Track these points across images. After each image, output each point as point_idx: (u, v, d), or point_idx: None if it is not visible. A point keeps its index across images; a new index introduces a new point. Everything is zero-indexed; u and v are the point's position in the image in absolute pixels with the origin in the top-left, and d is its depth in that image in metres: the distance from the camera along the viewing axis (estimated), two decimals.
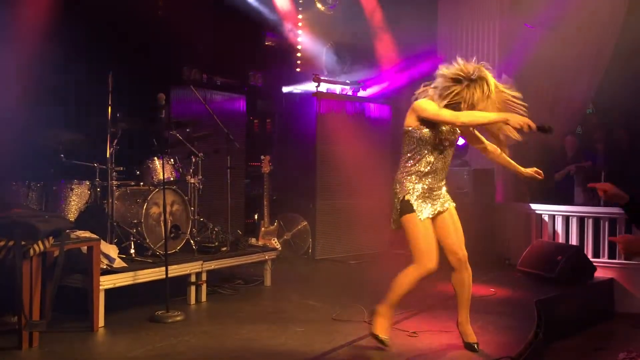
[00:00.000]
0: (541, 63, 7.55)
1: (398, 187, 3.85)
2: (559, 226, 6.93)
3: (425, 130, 3.73)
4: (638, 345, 4.73)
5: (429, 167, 3.77)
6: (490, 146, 4.01)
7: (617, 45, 7.51)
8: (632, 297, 6.34)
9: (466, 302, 3.89)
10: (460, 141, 7.60)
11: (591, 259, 6.45)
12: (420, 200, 3.78)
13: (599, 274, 6.40)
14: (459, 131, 3.86)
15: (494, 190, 7.58)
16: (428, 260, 3.73)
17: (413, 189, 3.78)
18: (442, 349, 3.94)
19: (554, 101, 7.75)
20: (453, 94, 3.66)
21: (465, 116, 3.63)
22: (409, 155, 3.82)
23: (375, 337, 3.86)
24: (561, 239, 6.86)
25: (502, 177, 7.52)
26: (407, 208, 3.77)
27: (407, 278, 3.81)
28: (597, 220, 6.70)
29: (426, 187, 3.79)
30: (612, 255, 6.58)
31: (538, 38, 7.40)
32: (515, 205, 7.41)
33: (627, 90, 7.68)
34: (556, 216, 6.97)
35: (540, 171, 3.97)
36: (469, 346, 3.87)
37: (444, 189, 3.90)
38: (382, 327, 3.87)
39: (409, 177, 3.80)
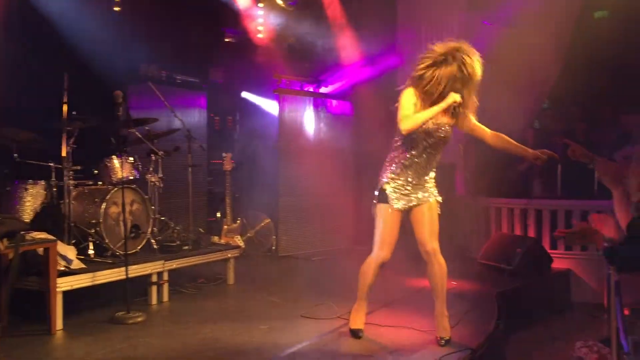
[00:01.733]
0: (499, 59, 7.66)
1: (381, 175, 3.90)
2: (517, 219, 7.06)
3: None
4: (594, 334, 4.85)
5: (410, 161, 3.77)
6: (492, 134, 3.93)
7: (573, 40, 7.69)
8: (588, 287, 6.51)
9: (439, 294, 3.92)
10: None
11: (549, 251, 6.60)
12: (397, 193, 3.81)
13: (556, 265, 6.55)
14: (448, 128, 3.76)
15: (454, 184, 7.69)
16: (382, 249, 3.85)
17: (392, 179, 3.82)
18: (404, 342, 3.97)
19: (511, 96, 7.89)
20: (426, 80, 3.61)
21: (405, 122, 3.56)
22: (397, 144, 3.84)
23: (352, 330, 3.98)
24: (520, 231, 7.00)
25: (462, 171, 7.63)
26: (383, 197, 3.83)
27: (365, 267, 3.95)
28: (554, 213, 6.86)
29: (405, 180, 3.80)
30: (568, 247, 6.74)
31: (496, 35, 7.51)
32: (476, 199, 7.53)
33: (584, 84, 7.90)
34: (515, 209, 7.10)
35: (546, 150, 3.85)
36: (440, 340, 3.90)
37: (430, 184, 3.88)
38: (356, 321, 3.99)
39: (390, 167, 3.84)
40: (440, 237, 6.36)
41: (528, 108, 8.17)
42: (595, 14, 8.40)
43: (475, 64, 3.66)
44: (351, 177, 7.94)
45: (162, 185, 5.64)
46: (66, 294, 4.19)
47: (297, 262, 7.12)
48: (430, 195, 3.87)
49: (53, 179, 4.90)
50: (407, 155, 3.77)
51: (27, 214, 4.74)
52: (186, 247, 5.36)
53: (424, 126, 3.63)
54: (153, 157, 5.59)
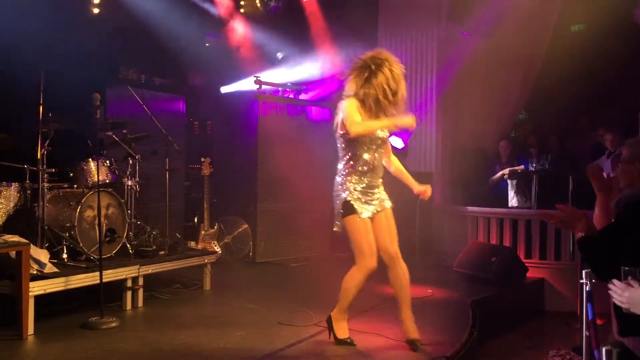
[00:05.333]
0: (476, 69, 7.78)
1: (339, 188, 3.90)
2: (493, 228, 7.14)
3: None
4: (567, 342, 4.92)
5: (366, 167, 3.86)
6: (394, 160, 4.14)
7: (548, 52, 7.83)
8: (561, 296, 6.61)
9: (405, 298, 3.95)
10: (400, 144, 7.75)
11: (524, 260, 6.67)
12: (361, 201, 3.85)
13: (531, 274, 6.63)
14: (382, 132, 3.89)
15: (432, 193, 7.73)
16: (370, 260, 3.83)
17: (354, 189, 3.86)
18: (378, 349, 3.98)
19: (488, 107, 7.99)
20: (365, 94, 3.77)
21: (356, 127, 3.71)
22: (347, 157, 3.90)
23: (341, 341, 3.96)
24: (495, 241, 7.07)
25: (440, 180, 7.69)
26: (349, 209, 3.84)
27: (353, 281, 3.90)
28: (528, 222, 6.94)
29: (365, 186, 3.87)
30: (542, 256, 6.84)
31: (474, 46, 7.61)
32: (452, 208, 7.59)
33: (559, 95, 8.03)
34: (491, 218, 7.18)
35: (428, 192, 4.13)
36: (410, 342, 3.92)
37: (382, 187, 3.98)
38: (343, 330, 3.99)
39: (349, 178, 3.88)
40: (418, 245, 6.45)
41: (504, 118, 8.29)
42: (572, 27, 8.56)
43: (397, 66, 3.83)
44: (330, 183, 7.94)
45: (138, 189, 5.58)
46: (38, 298, 4.12)
47: (275, 268, 7.09)
48: (385, 201, 3.97)
49: (27, 181, 4.82)
50: (362, 161, 3.86)
51: (0, 217, 4.66)
52: (162, 252, 5.31)
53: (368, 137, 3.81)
54: (130, 161, 5.53)
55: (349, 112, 3.77)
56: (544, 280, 6.72)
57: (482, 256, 6.45)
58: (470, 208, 7.36)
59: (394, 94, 3.81)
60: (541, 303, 6.65)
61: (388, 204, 3.97)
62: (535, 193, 7.24)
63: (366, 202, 3.87)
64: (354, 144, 3.83)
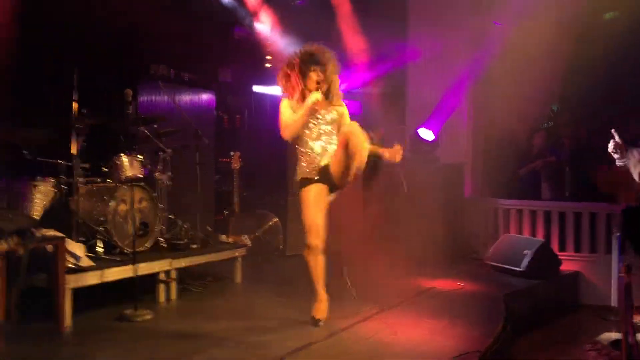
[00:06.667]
0: (508, 60, 7.65)
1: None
2: (526, 220, 7.04)
3: None
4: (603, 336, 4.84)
5: (310, 150, 4.19)
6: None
7: (581, 40, 7.65)
8: (597, 289, 6.49)
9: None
10: (431, 137, 7.69)
11: (557, 253, 6.57)
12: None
13: (565, 267, 6.53)
14: (327, 115, 4.21)
15: (463, 185, 7.67)
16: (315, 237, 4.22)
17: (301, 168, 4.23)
18: (413, 344, 3.96)
19: (520, 97, 7.86)
20: (290, 88, 4.19)
21: (285, 132, 4.16)
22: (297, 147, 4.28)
23: (312, 318, 4.23)
24: (528, 233, 6.97)
25: (471, 172, 7.61)
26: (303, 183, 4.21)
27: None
28: (562, 214, 6.83)
29: (311, 166, 4.19)
30: (577, 249, 6.72)
31: (505, 35, 7.49)
32: (484, 200, 7.51)
33: (592, 85, 7.85)
34: (523, 210, 7.08)
35: (398, 153, 4.24)
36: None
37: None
38: (317, 310, 4.26)
39: (299, 164, 4.26)
40: (448, 238, 6.44)
41: (537, 109, 8.15)
42: (606, 15, 8.35)
43: (310, 49, 4.19)
44: (360, 176, 7.91)
45: (170, 183, 5.64)
46: (75, 291, 4.20)
47: (305, 261, 7.08)
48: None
49: (62, 176, 4.91)
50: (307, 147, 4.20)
51: (37, 211, 4.73)
52: (194, 246, 5.36)
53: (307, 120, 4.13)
54: (161, 155, 5.60)
55: (281, 115, 4.21)
56: (579, 273, 6.60)
57: (515, 249, 6.37)
58: (502, 200, 7.26)
59: (309, 79, 4.15)
60: (576, 296, 6.54)
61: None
62: (568, 184, 7.11)
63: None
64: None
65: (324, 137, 4.23)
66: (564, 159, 7.57)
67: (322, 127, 4.23)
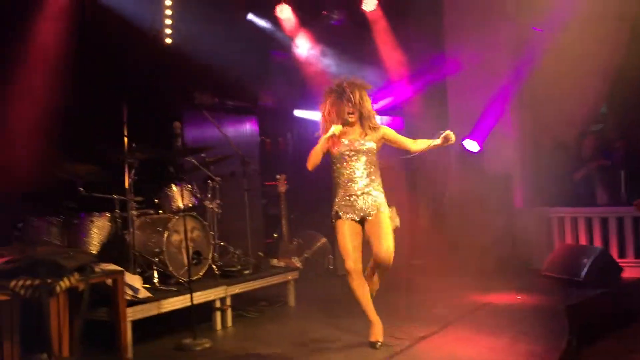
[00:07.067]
0: (552, 64, 7.49)
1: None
2: (582, 228, 6.83)
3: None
4: None
5: (345, 178, 4.28)
6: (412, 144, 4.40)
7: (630, 41, 7.43)
8: None
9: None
10: (476, 148, 7.58)
11: (617, 260, 6.35)
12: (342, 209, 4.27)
13: (627, 274, 6.29)
14: (364, 141, 4.28)
15: (512, 195, 7.52)
16: (345, 262, 4.22)
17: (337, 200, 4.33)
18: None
19: (566, 101, 7.69)
20: (324, 117, 4.31)
21: (308, 163, 4.28)
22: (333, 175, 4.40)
23: (369, 342, 4.22)
24: (585, 241, 6.77)
25: (520, 181, 7.46)
26: (335, 216, 4.33)
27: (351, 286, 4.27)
28: (620, 220, 6.60)
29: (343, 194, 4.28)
30: (638, 255, 6.48)
31: (547, 41, 7.34)
32: (536, 210, 7.33)
33: None
34: (578, 218, 6.88)
35: (451, 135, 4.24)
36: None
37: (366, 195, 4.23)
38: (372, 334, 4.25)
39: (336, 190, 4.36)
40: (500, 250, 6.37)
41: (585, 112, 7.94)
42: None
43: (341, 82, 4.29)
44: (405, 192, 7.85)
45: (220, 210, 5.71)
46: (134, 322, 4.27)
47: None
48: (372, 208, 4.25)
49: (117, 210, 5.03)
50: (338, 174, 4.32)
51: (94, 246, 4.88)
52: (247, 272, 5.39)
53: (337, 151, 4.26)
54: (210, 183, 5.67)
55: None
56: None
57: (572, 258, 6.19)
58: (555, 208, 7.08)
59: (341, 111, 4.24)
60: None
61: (383, 209, 4.24)
62: (624, 189, 6.88)
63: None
64: (333, 160, 4.34)
65: (357, 167, 4.28)
66: (618, 162, 7.33)
67: (355, 157, 4.28)
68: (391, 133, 4.41)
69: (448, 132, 4.23)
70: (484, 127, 7.58)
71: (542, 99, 7.65)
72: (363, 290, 4.26)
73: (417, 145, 4.35)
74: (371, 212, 4.23)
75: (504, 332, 4.44)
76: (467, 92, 7.93)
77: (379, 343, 4.18)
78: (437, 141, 4.25)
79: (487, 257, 6.66)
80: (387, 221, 4.23)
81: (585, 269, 5.93)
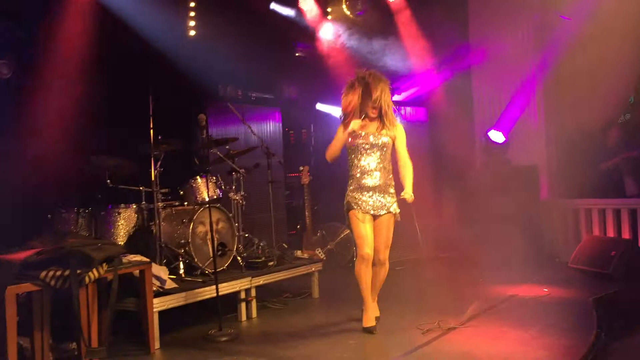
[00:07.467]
0: (578, 53, 7.36)
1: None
2: (610, 220, 6.72)
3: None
4: None
5: (359, 170, 4.40)
6: (402, 164, 4.50)
7: None
8: None
9: (376, 290, 4.61)
10: (501, 138, 7.50)
11: None
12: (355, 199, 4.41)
13: None
14: (380, 135, 4.38)
15: (538, 186, 7.42)
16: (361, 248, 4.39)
17: (350, 191, 4.47)
18: (503, 353, 3.85)
19: (593, 91, 7.54)
20: (344, 108, 4.40)
21: (326, 154, 4.48)
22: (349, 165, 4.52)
23: (364, 329, 4.40)
24: (613, 233, 6.66)
25: (546, 173, 7.36)
26: (348, 206, 4.46)
27: (358, 272, 4.45)
28: None
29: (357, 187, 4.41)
30: None
31: (574, 29, 7.21)
32: (562, 201, 7.23)
33: None
34: (606, 209, 6.77)
35: (407, 198, 4.42)
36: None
37: (381, 193, 4.38)
38: (366, 320, 4.45)
39: (349, 181, 4.49)
40: (526, 242, 6.37)
41: (612, 102, 7.78)
42: None
43: (364, 75, 4.37)
44: (429, 184, 7.79)
45: (244, 202, 5.74)
46: (161, 313, 4.32)
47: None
48: (384, 207, 4.40)
49: (143, 202, 5.08)
50: (354, 166, 4.44)
51: (121, 237, 4.94)
52: (271, 263, 5.41)
53: (354, 143, 4.38)
54: (234, 175, 5.70)
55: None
56: None
57: (600, 250, 6.10)
58: (582, 200, 6.98)
59: (364, 104, 4.33)
60: None
61: (393, 209, 4.41)
62: None
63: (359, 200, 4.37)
64: (349, 152, 4.46)
65: (371, 160, 4.39)
66: None
67: (370, 151, 4.39)
68: (400, 137, 4.50)
69: (406, 197, 4.39)
70: (509, 117, 7.49)
71: (568, 89, 7.52)
72: (368, 277, 4.43)
73: (402, 170, 4.46)
74: (380, 212, 4.40)
75: (531, 325, 4.40)
76: (492, 82, 7.85)
77: (374, 329, 4.39)
78: (405, 194, 4.39)
79: (513, 249, 6.59)
80: (392, 225, 4.46)
81: (614, 261, 5.84)
